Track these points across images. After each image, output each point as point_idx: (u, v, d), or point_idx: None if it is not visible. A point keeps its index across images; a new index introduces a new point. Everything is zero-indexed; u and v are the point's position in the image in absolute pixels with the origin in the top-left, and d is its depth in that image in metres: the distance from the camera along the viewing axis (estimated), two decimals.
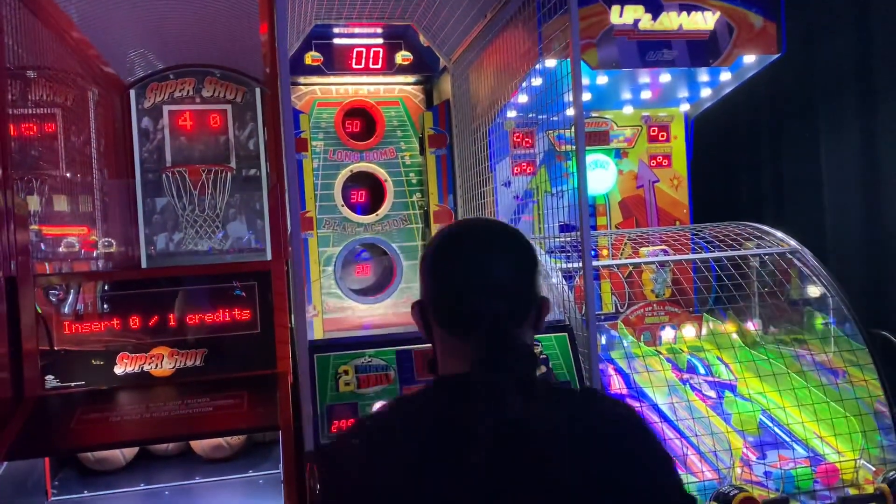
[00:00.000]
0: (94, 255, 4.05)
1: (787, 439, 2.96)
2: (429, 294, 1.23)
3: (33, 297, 2.52)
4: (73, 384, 2.54)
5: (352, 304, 4.56)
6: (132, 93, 4.46)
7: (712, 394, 3.16)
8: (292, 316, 2.69)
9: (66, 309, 2.62)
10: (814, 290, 3.33)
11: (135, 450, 2.71)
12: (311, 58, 4.38)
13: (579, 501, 1.08)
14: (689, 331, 3.65)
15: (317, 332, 4.39)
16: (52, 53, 3.42)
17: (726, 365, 3.32)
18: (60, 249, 3.64)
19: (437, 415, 1.15)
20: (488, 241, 1.22)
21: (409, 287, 4.63)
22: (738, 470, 2.77)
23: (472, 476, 1.04)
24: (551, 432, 1.10)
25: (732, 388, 3.18)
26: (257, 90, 4.56)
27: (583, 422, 1.15)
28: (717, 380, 3.26)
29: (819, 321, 3.32)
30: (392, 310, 4.62)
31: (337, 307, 4.53)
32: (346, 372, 2.52)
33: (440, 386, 1.22)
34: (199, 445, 2.72)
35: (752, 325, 3.63)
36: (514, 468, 1.05)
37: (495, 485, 1.05)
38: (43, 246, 3.40)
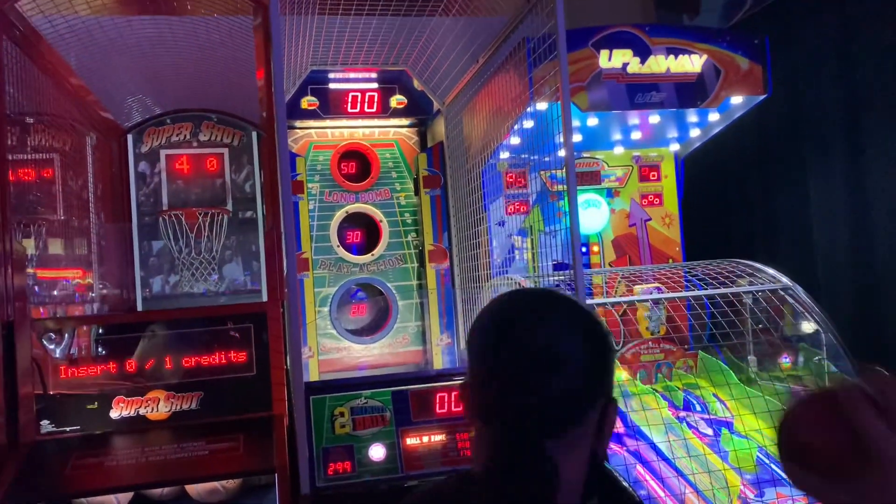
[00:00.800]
0: (90, 297, 4.06)
1: (785, 477, 2.95)
2: (469, 370, 1.02)
3: (30, 341, 2.52)
4: (68, 429, 2.53)
5: (347, 345, 4.56)
6: (129, 137, 4.51)
7: (709, 431, 3.16)
8: (288, 357, 2.70)
9: (62, 353, 2.62)
10: (807, 327, 3.36)
11: (129, 494, 2.69)
12: (307, 102, 4.46)
13: None
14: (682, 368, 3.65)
15: (312, 374, 4.38)
16: (50, 100, 3.47)
17: (722, 402, 3.33)
18: (55, 293, 3.65)
19: None
20: (538, 314, 0.97)
21: (404, 327, 4.64)
22: None
23: None
24: None
25: (729, 426, 3.18)
26: (254, 134, 4.61)
27: None
28: (713, 417, 3.26)
29: (813, 357, 3.34)
30: (388, 350, 4.62)
31: (332, 348, 4.53)
32: (342, 414, 2.52)
33: (458, 482, 1.05)
34: (194, 490, 2.70)
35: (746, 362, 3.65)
36: None
37: None
38: (38, 289, 3.41)
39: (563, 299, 1.01)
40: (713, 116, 4.18)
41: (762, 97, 3.96)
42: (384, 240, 4.64)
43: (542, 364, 0.91)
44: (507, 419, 0.91)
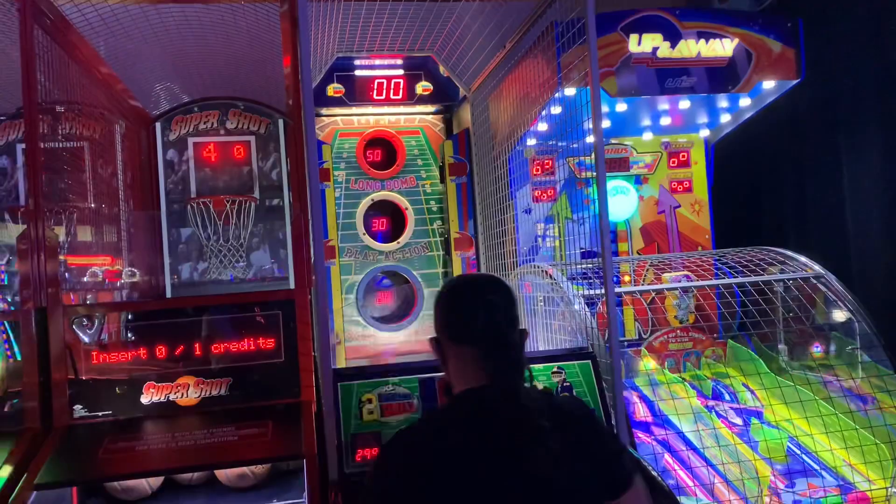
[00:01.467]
0: (119, 284, 4.10)
1: (816, 467, 2.91)
2: (444, 322, 1.65)
3: (62, 327, 2.56)
4: (100, 413, 2.56)
5: (373, 332, 4.57)
6: (158, 125, 4.54)
7: (738, 421, 3.12)
8: (316, 344, 2.71)
9: (93, 339, 2.65)
10: (839, 315, 3.30)
11: (160, 479, 2.72)
12: (333, 89, 4.46)
13: (563, 463, 1.46)
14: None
15: (339, 360, 4.41)
16: (80, 88, 3.50)
17: (752, 391, 3.29)
18: (85, 279, 3.69)
19: (464, 423, 1.51)
20: (483, 282, 1.72)
21: (429, 314, 4.64)
22: (767, 499, 2.72)
23: (503, 460, 1.44)
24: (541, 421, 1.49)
25: (759, 415, 3.14)
26: (280, 121, 4.62)
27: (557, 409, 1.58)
28: (743, 407, 3.22)
29: (845, 346, 3.28)
30: (414, 337, 4.63)
31: (359, 335, 4.55)
32: (369, 400, 2.52)
33: (463, 400, 1.57)
34: (223, 474, 2.73)
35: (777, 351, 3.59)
36: (526, 449, 1.45)
37: (515, 462, 1.44)
38: (68, 276, 3.45)
39: (493, 277, 1.78)
40: (744, 101, 4.11)
41: (795, 81, 3.88)
42: (410, 227, 4.64)
43: (495, 304, 1.61)
44: (491, 333, 1.58)
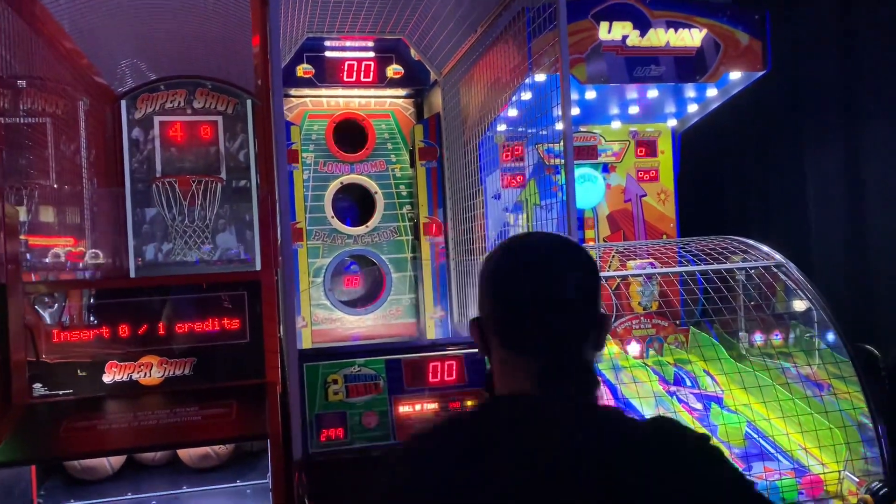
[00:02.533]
0: (82, 265, 4.04)
1: (773, 451, 2.98)
2: (488, 309, 1.20)
3: (23, 305, 2.51)
4: (61, 392, 2.53)
5: (341, 316, 4.56)
6: (123, 103, 4.46)
7: (699, 406, 3.18)
8: (281, 326, 2.70)
9: (55, 318, 2.61)
10: (799, 304, 3.37)
11: (122, 459, 2.70)
12: (303, 70, 4.42)
13: None
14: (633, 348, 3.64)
15: (305, 343, 4.39)
16: (43, 62, 3.43)
17: (712, 377, 3.35)
18: (47, 260, 3.63)
19: (495, 434, 1.10)
20: (551, 255, 1.19)
21: (397, 299, 4.64)
22: None
23: (525, 496, 1.00)
24: (604, 460, 1.02)
25: (719, 401, 3.21)
26: (248, 102, 4.57)
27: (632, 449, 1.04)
28: (703, 392, 3.28)
29: (804, 334, 3.36)
30: (381, 321, 4.63)
31: (326, 318, 4.54)
32: (335, 381, 2.52)
33: (499, 406, 1.19)
34: (186, 454, 2.71)
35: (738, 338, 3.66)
36: (565, 491, 1.00)
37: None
38: (30, 256, 3.39)
39: (568, 241, 1.26)
40: (711, 92, 4.16)
41: (761, 73, 3.93)
42: (379, 211, 4.63)
43: (565, 297, 1.14)
44: (548, 341, 1.13)
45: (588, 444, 1.03)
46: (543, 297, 1.14)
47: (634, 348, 3.64)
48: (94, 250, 4.16)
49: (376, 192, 4.62)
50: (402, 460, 1.18)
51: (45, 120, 3.63)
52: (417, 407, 2.51)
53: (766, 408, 3.10)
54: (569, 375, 1.13)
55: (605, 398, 3.13)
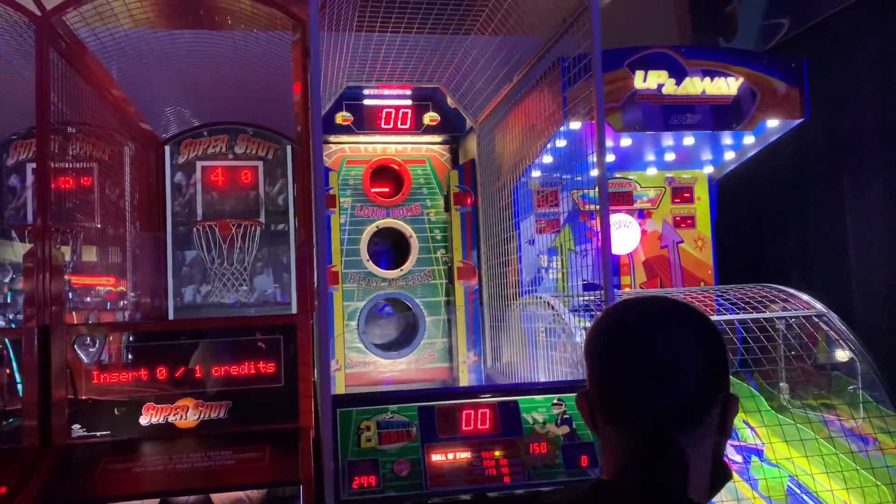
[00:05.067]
0: (122, 304, 4.12)
1: None
2: (591, 378, 1.11)
3: (65, 346, 2.57)
4: (98, 434, 2.56)
5: (374, 359, 4.57)
6: (167, 148, 4.59)
7: (738, 458, 3.10)
8: (316, 370, 2.71)
9: (94, 359, 2.66)
10: (841, 355, 3.29)
11: (156, 501, 2.71)
12: (342, 117, 4.51)
13: None
14: None
15: (339, 387, 4.39)
16: (92, 110, 3.54)
17: (752, 429, 3.27)
18: (89, 299, 3.71)
19: None
20: (660, 317, 1.06)
21: (431, 343, 4.64)
22: None
23: None
24: None
25: (759, 454, 3.12)
26: (288, 147, 4.67)
27: None
28: (743, 444, 3.20)
29: (847, 386, 3.27)
30: (414, 365, 4.62)
31: (359, 361, 4.54)
32: (367, 427, 2.52)
33: (594, 489, 1.08)
34: (219, 499, 2.71)
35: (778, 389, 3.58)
36: None
37: None
38: (72, 295, 3.46)
39: (683, 306, 1.10)
40: (748, 139, 4.14)
41: (799, 121, 3.92)
42: (413, 255, 4.65)
43: (672, 368, 1.00)
44: (642, 419, 1.00)
45: None
46: (646, 369, 1.01)
47: None
48: (134, 290, 4.24)
49: (411, 236, 4.65)
50: None
51: (92, 164, 3.74)
52: (450, 455, 2.49)
53: (808, 462, 3.01)
54: (654, 467, 0.98)
55: None
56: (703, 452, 1.03)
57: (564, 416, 2.66)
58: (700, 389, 1.02)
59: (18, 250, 4.22)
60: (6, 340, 3.10)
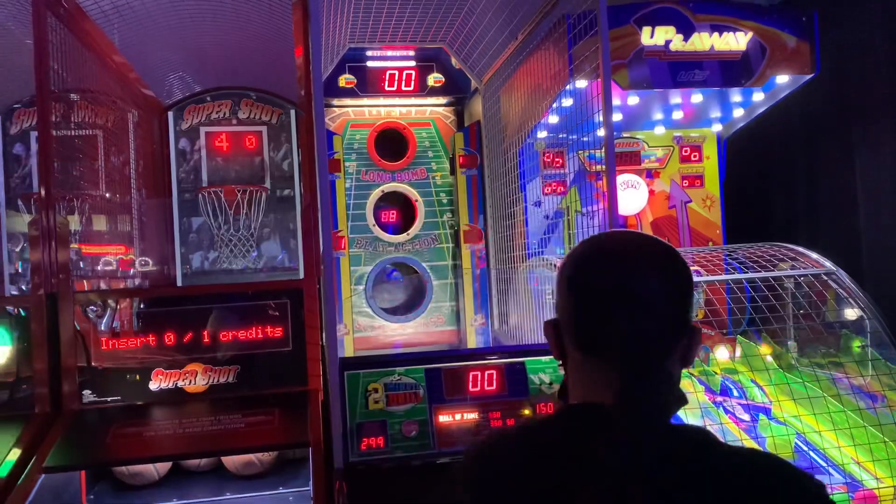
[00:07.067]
0: (131, 273, 4.14)
1: (824, 464, 2.89)
2: (567, 310, 1.10)
3: (73, 313, 2.58)
4: (109, 399, 2.58)
5: (382, 323, 4.59)
6: (170, 115, 4.57)
7: (746, 417, 3.11)
8: (323, 334, 2.72)
9: (104, 326, 2.67)
10: (850, 313, 3.28)
11: (168, 465, 2.75)
12: (345, 80, 4.46)
13: None
14: (721, 353, 3.60)
15: (347, 351, 4.42)
16: (94, 76, 3.52)
17: (760, 388, 3.27)
18: (98, 268, 3.72)
19: (565, 447, 1.03)
20: (640, 255, 1.07)
21: (438, 307, 4.65)
22: None
23: None
24: (680, 481, 0.95)
25: (767, 412, 3.13)
26: (292, 112, 4.64)
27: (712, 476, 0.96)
28: (751, 403, 3.21)
29: (856, 344, 3.26)
30: (422, 328, 4.64)
31: (367, 326, 4.56)
32: (375, 390, 2.53)
33: (571, 416, 1.09)
34: (230, 461, 2.75)
35: (787, 348, 3.57)
36: None
37: None
38: (82, 264, 3.48)
39: (650, 237, 1.13)
40: (758, 96, 4.08)
41: (809, 76, 3.84)
42: (419, 219, 4.64)
43: (655, 295, 1.02)
44: (631, 347, 1.01)
45: (668, 473, 0.94)
46: (627, 292, 1.02)
47: None
48: (142, 257, 4.26)
49: (417, 200, 4.64)
50: (469, 467, 1.15)
51: (95, 132, 3.73)
52: (458, 416, 2.50)
53: (816, 420, 3.01)
54: (651, 389, 1.00)
55: None
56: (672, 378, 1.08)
57: None
58: (677, 316, 1.05)
59: (27, 220, 4.24)
60: (19, 309, 3.13)
